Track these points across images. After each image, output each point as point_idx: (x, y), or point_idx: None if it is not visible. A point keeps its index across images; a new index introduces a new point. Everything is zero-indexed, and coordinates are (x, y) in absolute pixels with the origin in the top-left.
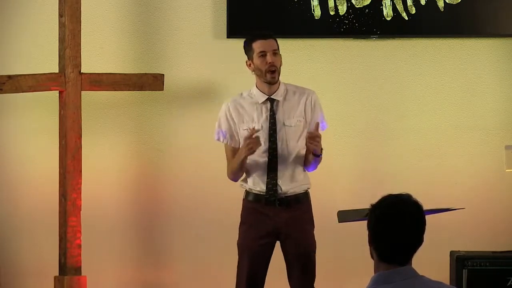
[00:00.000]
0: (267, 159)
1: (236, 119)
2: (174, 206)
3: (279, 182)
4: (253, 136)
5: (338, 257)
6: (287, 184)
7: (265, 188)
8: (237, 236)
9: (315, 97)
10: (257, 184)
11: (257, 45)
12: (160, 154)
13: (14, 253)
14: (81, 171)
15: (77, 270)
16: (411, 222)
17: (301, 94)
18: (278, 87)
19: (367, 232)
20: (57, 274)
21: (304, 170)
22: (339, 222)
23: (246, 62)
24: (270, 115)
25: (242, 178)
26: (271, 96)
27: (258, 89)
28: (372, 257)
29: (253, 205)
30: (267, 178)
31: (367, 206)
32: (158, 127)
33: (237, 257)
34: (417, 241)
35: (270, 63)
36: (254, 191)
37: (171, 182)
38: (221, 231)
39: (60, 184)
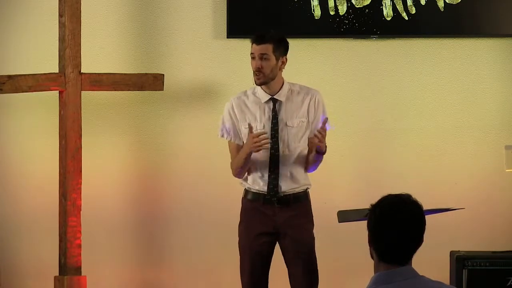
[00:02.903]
0: (268, 159)
1: (239, 116)
2: (174, 206)
3: (280, 182)
4: (260, 136)
5: (338, 257)
6: (288, 185)
7: (265, 187)
8: (237, 236)
9: (319, 97)
10: (256, 183)
11: (251, 47)
12: (160, 154)
13: (14, 253)
14: (81, 171)
15: (77, 270)
16: (411, 222)
17: (305, 95)
18: (281, 87)
19: (367, 232)
20: (57, 274)
21: (305, 171)
22: (339, 222)
23: None
24: (272, 115)
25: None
26: (274, 96)
27: (262, 88)
28: (372, 257)
29: (252, 204)
30: (269, 178)
31: (367, 206)
32: (158, 127)
33: (236, 257)
34: (417, 241)
35: (255, 67)
36: (253, 190)
37: (171, 182)
38: (221, 231)
39: (60, 184)
